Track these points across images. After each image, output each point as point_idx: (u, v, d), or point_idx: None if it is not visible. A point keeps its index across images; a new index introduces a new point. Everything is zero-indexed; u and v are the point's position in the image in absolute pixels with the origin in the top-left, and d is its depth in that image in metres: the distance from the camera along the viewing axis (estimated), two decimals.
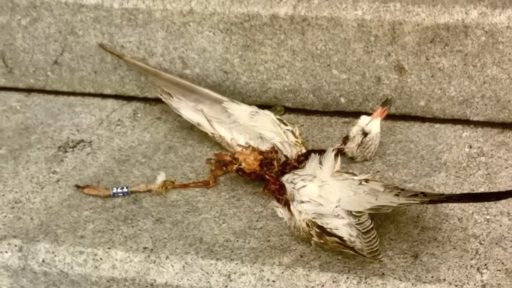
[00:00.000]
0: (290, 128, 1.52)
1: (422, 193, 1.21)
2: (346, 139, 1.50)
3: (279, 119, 1.54)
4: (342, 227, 1.25)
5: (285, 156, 1.47)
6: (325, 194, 1.30)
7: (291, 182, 1.36)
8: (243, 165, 1.45)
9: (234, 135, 1.51)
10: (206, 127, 1.55)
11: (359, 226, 1.24)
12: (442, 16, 1.52)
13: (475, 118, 1.60)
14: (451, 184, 1.44)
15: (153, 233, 1.37)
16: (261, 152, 1.46)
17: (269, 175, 1.44)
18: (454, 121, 1.61)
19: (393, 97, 1.59)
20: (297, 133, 1.51)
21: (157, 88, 1.65)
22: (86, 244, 1.35)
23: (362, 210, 1.24)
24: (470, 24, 1.51)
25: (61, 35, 1.73)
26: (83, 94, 1.80)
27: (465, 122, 1.61)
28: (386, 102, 1.51)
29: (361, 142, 1.48)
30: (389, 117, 1.57)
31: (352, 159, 1.51)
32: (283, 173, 1.43)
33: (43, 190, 1.49)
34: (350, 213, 1.25)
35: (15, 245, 1.36)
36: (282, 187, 1.40)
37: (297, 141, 1.50)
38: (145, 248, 1.33)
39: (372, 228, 1.24)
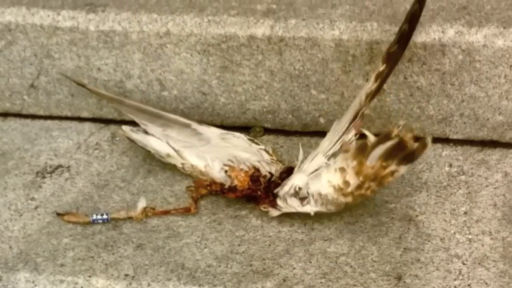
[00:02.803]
0: (262, 147, 1.52)
1: None
2: None
3: (250, 139, 1.53)
4: None
5: (270, 172, 1.46)
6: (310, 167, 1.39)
7: (284, 194, 1.40)
8: (235, 182, 1.44)
9: (208, 162, 1.49)
10: (176, 157, 1.51)
11: None
12: (419, 35, 1.52)
13: (455, 137, 1.60)
14: (432, 203, 1.44)
15: (134, 260, 1.35)
16: (246, 171, 1.46)
17: (260, 191, 1.43)
18: (434, 139, 1.60)
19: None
20: (270, 151, 1.51)
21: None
22: (67, 273, 1.33)
23: None
24: (447, 43, 1.51)
25: (37, 58, 1.71)
26: (60, 118, 1.78)
27: (445, 140, 1.61)
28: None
29: None
30: None
31: None
32: (269, 189, 1.43)
33: (21, 217, 1.47)
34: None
35: None
36: (275, 199, 1.41)
37: (272, 159, 1.49)
38: (126, 275, 1.32)
39: None
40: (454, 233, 1.37)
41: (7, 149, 1.68)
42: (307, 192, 1.38)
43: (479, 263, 1.30)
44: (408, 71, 1.55)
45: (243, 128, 1.67)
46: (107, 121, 1.75)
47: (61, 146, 1.68)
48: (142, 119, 1.57)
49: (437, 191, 1.47)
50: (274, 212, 1.42)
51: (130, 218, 1.44)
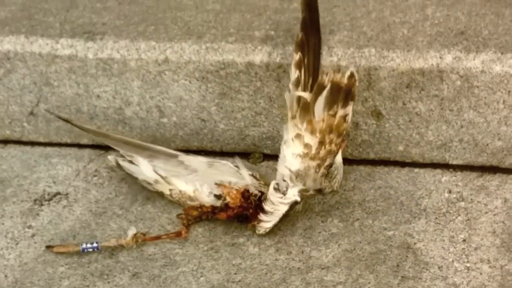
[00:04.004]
0: (250, 172, 1.51)
1: None
2: None
3: (236, 166, 1.53)
4: None
5: (260, 191, 1.46)
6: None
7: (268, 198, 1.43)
8: (228, 199, 1.44)
9: (197, 187, 1.48)
10: (163, 184, 1.51)
11: None
12: (417, 61, 1.51)
13: (454, 162, 1.59)
14: (431, 231, 1.43)
15: None
16: (237, 189, 1.46)
17: (252, 209, 1.44)
18: (434, 165, 1.60)
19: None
20: (257, 176, 1.51)
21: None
22: None
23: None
24: (445, 69, 1.51)
25: (36, 86, 1.72)
26: (60, 145, 1.78)
27: (444, 166, 1.60)
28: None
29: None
30: (369, 162, 1.56)
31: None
32: (259, 207, 1.44)
33: (17, 245, 1.47)
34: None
35: None
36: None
37: (260, 183, 1.49)
38: None
39: None
40: (453, 261, 1.36)
41: (6, 176, 1.68)
42: (283, 180, 1.42)
43: None
44: (406, 97, 1.54)
45: (243, 154, 1.67)
46: (106, 148, 1.75)
47: (60, 173, 1.68)
48: (129, 151, 1.57)
49: (436, 218, 1.46)
50: (265, 224, 1.42)
51: (121, 246, 1.43)
